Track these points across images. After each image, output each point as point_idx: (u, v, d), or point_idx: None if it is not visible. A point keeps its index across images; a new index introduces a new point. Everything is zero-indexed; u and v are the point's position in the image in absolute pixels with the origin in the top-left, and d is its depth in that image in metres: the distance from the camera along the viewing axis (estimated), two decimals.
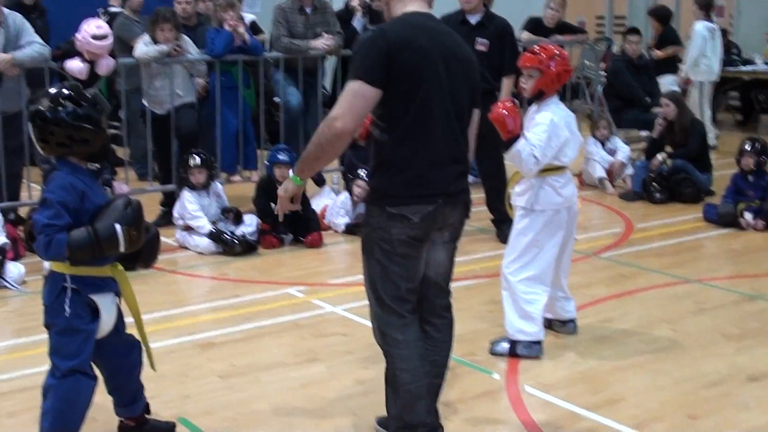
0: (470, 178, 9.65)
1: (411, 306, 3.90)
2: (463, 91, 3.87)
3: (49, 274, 3.88)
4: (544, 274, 5.20)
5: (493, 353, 5.28)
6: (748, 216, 8.27)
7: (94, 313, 3.87)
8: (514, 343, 5.24)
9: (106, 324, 3.92)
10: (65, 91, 3.81)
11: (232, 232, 7.55)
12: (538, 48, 5.21)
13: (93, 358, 3.93)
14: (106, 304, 3.90)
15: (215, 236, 7.48)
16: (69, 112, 3.75)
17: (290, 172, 3.88)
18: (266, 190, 7.85)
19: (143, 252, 4.02)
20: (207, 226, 7.54)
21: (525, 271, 5.17)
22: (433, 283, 3.99)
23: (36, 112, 3.79)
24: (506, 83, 7.63)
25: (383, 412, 4.38)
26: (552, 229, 5.19)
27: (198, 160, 7.77)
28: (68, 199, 3.73)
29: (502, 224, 7.64)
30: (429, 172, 3.76)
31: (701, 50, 12.13)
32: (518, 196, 5.24)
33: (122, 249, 3.77)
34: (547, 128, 5.03)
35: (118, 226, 3.73)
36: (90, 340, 3.86)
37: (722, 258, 7.59)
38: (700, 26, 12.27)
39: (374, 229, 3.83)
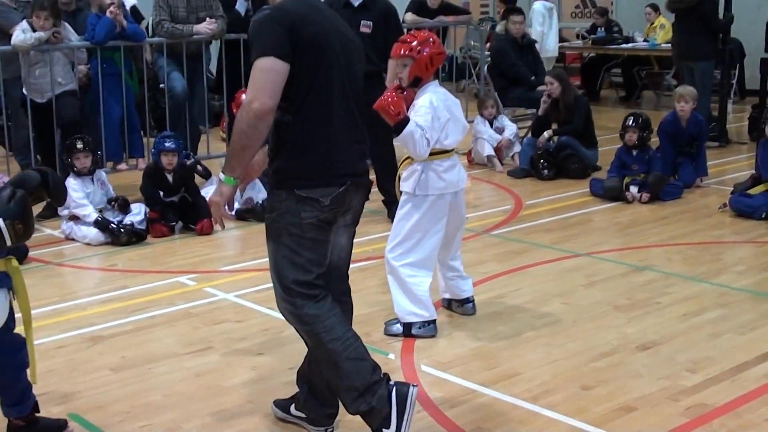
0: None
1: (321, 284, 3.81)
2: (357, 72, 3.86)
3: None
4: (427, 259, 5.22)
5: (388, 334, 5.29)
6: (633, 189, 8.47)
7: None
8: (407, 325, 5.26)
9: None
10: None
11: (119, 221, 7.39)
12: (408, 36, 5.23)
13: None
14: None
15: (102, 225, 7.31)
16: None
17: (221, 175, 3.68)
18: (153, 178, 7.72)
19: (53, 197, 4.00)
20: (93, 215, 7.36)
21: (408, 256, 5.18)
22: (335, 268, 3.93)
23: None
24: (392, 65, 7.62)
25: (279, 396, 4.36)
26: (435, 214, 5.19)
27: (82, 144, 7.58)
28: None
29: (393, 205, 7.62)
30: (336, 153, 3.72)
31: (543, 28, 12.82)
32: (404, 181, 5.24)
33: (9, 243, 3.66)
34: (429, 109, 5.05)
35: (1, 222, 3.61)
36: None
37: (610, 231, 7.76)
38: (538, 5, 12.96)
39: (281, 213, 3.72)
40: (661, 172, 8.60)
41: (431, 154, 5.11)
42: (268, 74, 3.55)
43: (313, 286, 3.77)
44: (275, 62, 3.55)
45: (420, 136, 4.95)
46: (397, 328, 5.29)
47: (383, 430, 3.77)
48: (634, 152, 8.70)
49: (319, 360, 3.88)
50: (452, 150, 5.26)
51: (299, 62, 3.60)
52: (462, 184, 5.34)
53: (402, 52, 5.11)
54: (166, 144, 7.72)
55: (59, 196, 4.13)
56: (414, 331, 5.24)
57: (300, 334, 3.93)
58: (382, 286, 6.05)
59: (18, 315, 3.94)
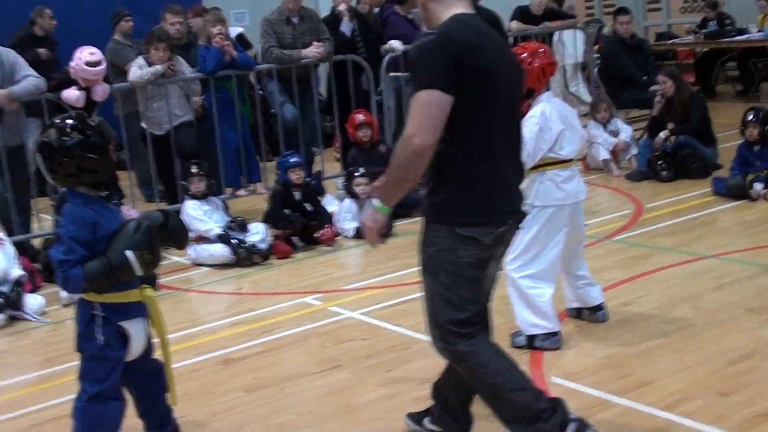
0: None
1: (472, 329, 3.67)
2: (517, 96, 3.75)
3: (79, 301, 3.89)
4: (547, 271, 5.15)
5: (515, 346, 5.24)
6: (757, 186, 8.23)
7: (124, 339, 3.88)
8: (531, 337, 5.21)
9: (135, 349, 3.94)
10: (70, 121, 3.80)
11: (240, 239, 7.55)
12: (518, 48, 5.20)
13: (122, 381, 3.94)
14: (136, 329, 3.91)
15: (224, 239, 7.49)
16: (76, 142, 3.74)
17: (375, 201, 3.62)
18: (282, 197, 7.90)
19: (173, 239, 4.13)
20: (215, 229, 7.55)
21: (528, 268, 5.11)
22: (489, 297, 3.84)
23: (43, 143, 3.79)
24: None
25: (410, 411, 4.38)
26: (554, 225, 5.12)
27: (196, 168, 7.80)
28: (79, 233, 3.74)
29: None
30: (498, 190, 3.59)
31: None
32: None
33: (138, 273, 3.78)
34: (538, 120, 5.01)
35: (129, 253, 3.74)
36: (119, 366, 3.88)
37: (736, 231, 7.56)
38: None
39: (440, 250, 3.58)
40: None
41: (549, 164, 5.08)
42: (430, 109, 3.38)
43: (467, 324, 3.65)
44: (438, 96, 3.38)
45: None
46: (522, 339, 5.25)
47: None
48: (756, 148, 8.46)
49: (481, 393, 3.77)
50: (570, 160, 5.20)
51: (464, 93, 3.42)
52: (582, 195, 5.28)
53: None
54: (292, 160, 7.99)
55: (179, 238, 4.26)
56: (537, 343, 5.18)
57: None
58: (505, 298, 6.03)
59: (155, 340, 4.05)
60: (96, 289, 3.76)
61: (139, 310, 3.93)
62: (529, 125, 4.98)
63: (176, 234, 4.18)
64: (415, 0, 9.97)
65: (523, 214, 3.78)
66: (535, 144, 4.98)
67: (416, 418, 4.23)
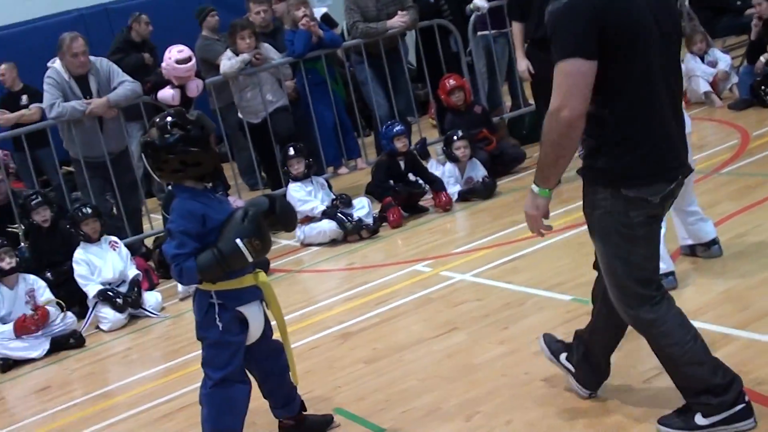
0: None
1: (657, 284, 3.56)
2: (674, 42, 3.46)
3: (196, 291, 4.00)
4: None
5: None
6: None
7: (243, 323, 3.97)
8: None
9: (254, 332, 4.04)
10: (170, 118, 3.88)
11: (345, 214, 7.62)
12: None
13: (245, 364, 4.04)
14: (253, 313, 4.00)
15: (329, 214, 7.60)
16: (177, 137, 3.82)
17: (533, 187, 3.46)
18: (387, 168, 7.97)
19: (281, 221, 4.23)
20: (319, 207, 7.64)
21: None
22: None
23: (146, 143, 3.89)
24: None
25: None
26: None
27: (293, 150, 7.89)
28: (189, 226, 3.83)
29: None
30: (663, 147, 3.38)
31: None
32: None
33: (249, 260, 3.86)
34: None
35: (239, 241, 3.81)
36: (240, 350, 3.98)
37: None
38: None
39: (608, 213, 3.43)
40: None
41: None
42: (574, 78, 3.22)
43: (650, 283, 3.53)
44: (581, 64, 3.21)
45: None
46: None
47: (697, 415, 3.59)
48: None
49: (658, 356, 3.65)
50: None
51: (611, 53, 3.23)
52: (688, 128, 5.15)
53: None
54: (397, 128, 8.01)
55: (287, 220, 4.35)
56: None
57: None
58: None
59: (273, 323, 4.14)
60: (210, 278, 3.86)
61: (254, 294, 4.01)
62: None
63: (284, 216, 4.26)
64: None
65: (690, 167, 3.59)
66: None
67: (554, 348, 4.16)
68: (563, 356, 4.13)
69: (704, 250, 5.45)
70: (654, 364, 4.25)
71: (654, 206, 3.41)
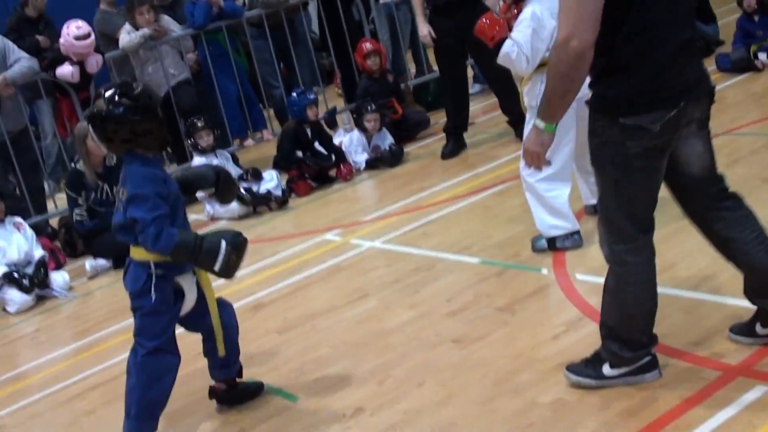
0: (477, 87, 9.63)
1: (646, 224, 3.44)
2: None
3: (130, 262, 3.95)
4: (562, 170, 5.12)
5: (536, 250, 5.26)
6: (762, 56, 8.15)
7: (178, 293, 3.96)
8: (551, 240, 5.22)
9: (189, 302, 4.02)
10: (117, 89, 3.81)
11: (251, 189, 7.57)
12: None
13: (188, 325, 4.09)
14: (188, 283, 3.99)
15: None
16: (127, 107, 3.76)
17: (538, 122, 3.32)
18: (295, 136, 7.90)
19: (218, 192, 4.30)
20: None
21: (543, 170, 5.07)
22: (701, 179, 3.48)
23: (94, 114, 3.82)
24: None
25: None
26: (563, 124, 4.94)
27: (202, 122, 7.82)
28: (158, 189, 3.79)
29: (519, 124, 7.60)
30: (665, 69, 3.18)
31: None
32: (526, 95, 5.17)
33: (216, 267, 3.82)
34: (530, 22, 4.91)
35: (224, 242, 3.80)
36: (174, 319, 3.98)
37: (745, 104, 7.48)
38: None
39: (605, 142, 3.30)
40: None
41: (546, 64, 5.00)
42: (584, 5, 3.02)
43: (636, 219, 3.40)
44: None
45: (516, 54, 4.87)
46: (543, 243, 5.26)
47: (605, 365, 3.64)
48: (756, 18, 8.35)
49: (607, 297, 3.60)
50: None
51: None
52: (585, 90, 5.20)
53: None
54: (311, 96, 7.97)
55: (226, 193, 4.35)
56: (558, 244, 5.20)
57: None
58: (522, 205, 6.03)
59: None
60: (175, 258, 3.81)
61: (188, 265, 3.97)
62: (522, 29, 4.92)
63: (224, 188, 4.31)
64: None
65: (707, 86, 3.36)
66: (532, 46, 4.91)
67: (745, 324, 3.84)
68: (758, 325, 3.78)
69: None
70: (564, 319, 4.36)
71: (653, 135, 3.21)
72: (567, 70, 3.12)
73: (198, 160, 7.73)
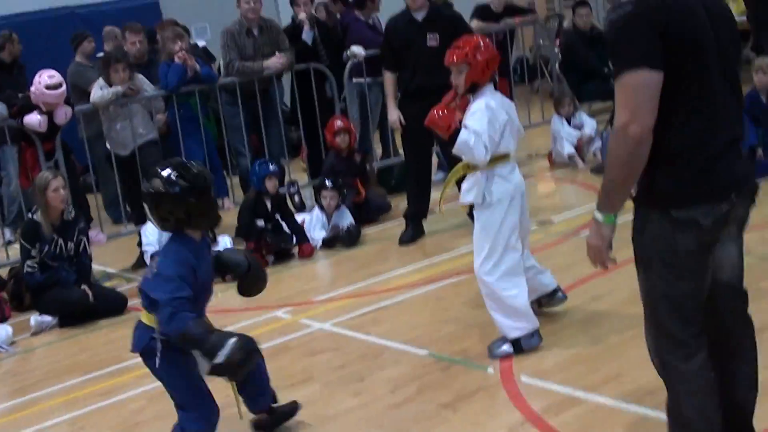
0: (440, 174, 9.69)
1: (697, 329, 3.28)
2: (732, 51, 3.28)
3: (139, 323, 4.05)
4: (518, 264, 5.16)
5: (496, 356, 5.16)
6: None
7: (189, 356, 3.99)
8: (515, 342, 5.16)
9: (202, 362, 3.96)
10: (173, 169, 3.94)
11: None
12: (460, 42, 5.22)
13: None
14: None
15: None
16: (183, 188, 3.86)
17: (597, 215, 3.20)
18: (254, 207, 7.87)
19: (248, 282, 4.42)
20: None
21: (500, 267, 5.09)
22: (726, 287, 3.37)
23: (150, 194, 3.92)
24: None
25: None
26: (512, 217, 5.13)
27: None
28: (184, 273, 3.86)
29: None
30: (717, 162, 3.13)
31: None
32: (467, 193, 5.19)
33: (218, 360, 3.76)
34: (485, 112, 5.00)
35: (233, 340, 3.78)
36: (195, 379, 4.08)
37: None
38: None
39: (653, 238, 3.20)
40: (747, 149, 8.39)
41: (492, 160, 5.06)
42: (641, 90, 3.01)
43: (688, 323, 3.26)
44: (649, 75, 3.01)
45: (475, 141, 4.94)
46: (504, 350, 5.17)
47: None
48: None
49: (668, 405, 3.45)
50: (509, 155, 5.19)
51: (672, 63, 3.04)
52: (523, 186, 5.30)
53: (456, 59, 5.11)
54: (271, 167, 7.95)
55: (252, 287, 4.48)
56: (524, 345, 5.13)
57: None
58: (475, 299, 6.06)
59: None
60: (183, 344, 3.86)
61: None
62: (477, 119, 5.00)
63: (250, 282, 4.45)
64: (376, 6, 10.08)
65: (754, 186, 3.32)
66: (489, 136, 4.97)
67: None
68: None
69: (549, 300, 5.58)
70: (505, 423, 4.35)
71: (705, 231, 3.13)
72: (627, 157, 3.06)
73: (149, 228, 7.66)
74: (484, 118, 4.98)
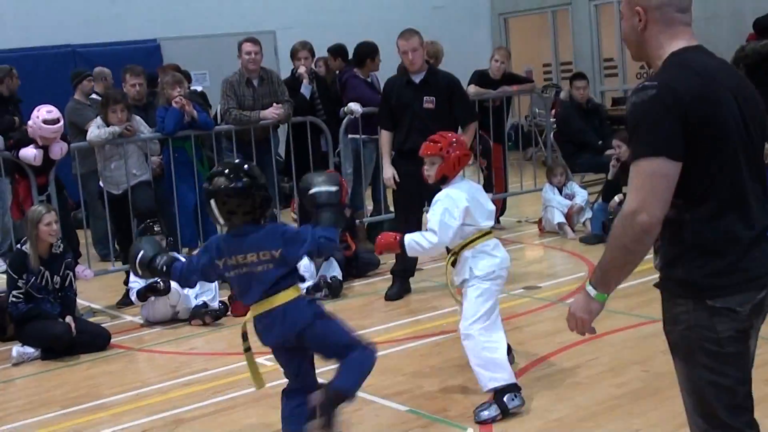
0: None
1: (750, 416, 3.14)
2: (758, 139, 3.15)
3: (288, 306, 4.50)
4: (497, 319, 5.33)
5: (481, 419, 5.11)
6: None
7: None
8: (498, 400, 5.15)
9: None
10: (233, 167, 4.45)
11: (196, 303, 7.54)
12: (436, 137, 5.56)
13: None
14: None
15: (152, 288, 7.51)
16: (247, 182, 4.35)
17: (590, 289, 3.14)
18: None
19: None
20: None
21: (485, 325, 5.25)
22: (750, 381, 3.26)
23: (217, 191, 4.34)
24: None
25: None
26: (497, 289, 5.41)
27: (157, 226, 7.83)
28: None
29: None
30: (750, 251, 3.03)
31: None
32: (458, 275, 5.41)
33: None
34: (443, 202, 5.31)
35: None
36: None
37: None
38: None
39: (691, 327, 3.05)
40: None
41: (475, 238, 5.34)
42: (657, 180, 2.91)
43: (741, 410, 3.11)
44: (666, 165, 2.90)
45: (426, 241, 5.25)
46: (490, 413, 5.15)
47: None
48: None
49: None
50: (490, 232, 5.47)
51: (695, 153, 2.94)
52: (508, 261, 5.53)
53: (431, 152, 5.47)
54: None
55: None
56: (507, 402, 5.13)
57: None
58: (457, 359, 6.07)
59: None
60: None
61: None
62: (436, 209, 5.29)
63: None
64: (375, 65, 10.19)
65: None
66: (440, 228, 5.21)
67: None
68: None
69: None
70: None
71: (742, 319, 3.04)
72: (630, 244, 2.97)
73: None
74: (440, 207, 5.29)
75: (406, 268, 8.03)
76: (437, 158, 5.42)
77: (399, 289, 7.97)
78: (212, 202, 4.37)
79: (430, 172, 5.47)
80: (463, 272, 5.35)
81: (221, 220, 4.43)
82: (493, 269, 5.31)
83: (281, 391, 4.81)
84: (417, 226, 8.10)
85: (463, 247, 5.33)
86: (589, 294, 3.13)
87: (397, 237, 5.33)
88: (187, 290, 7.45)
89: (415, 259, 8.07)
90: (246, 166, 4.48)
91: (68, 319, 6.95)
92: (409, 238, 5.29)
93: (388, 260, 8.60)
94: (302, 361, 4.71)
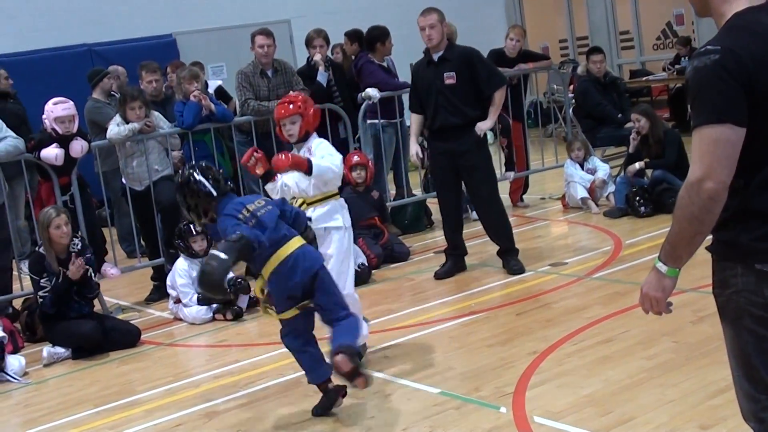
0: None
1: None
2: None
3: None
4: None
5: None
6: None
7: None
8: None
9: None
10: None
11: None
12: (287, 98, 5.96)
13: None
14: None
15: (206, 301, 7.50)
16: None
17: (660, 265, 3.04)
18: None
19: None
20: (194, 297, 7.54)
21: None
22: None
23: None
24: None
25: None
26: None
27: (199, 227, 7.81)
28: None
29: (505, 255, 7.77)
30: None
31: None
32: (332, 218, 5.89)
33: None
34: (328, 145, 5.91)
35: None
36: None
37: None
38: None
39: (738, 291, 3.00)
40: None
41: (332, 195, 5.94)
42: (722, 146, 2.84)
43: None
44: (732, 131, 2.84)
45: (334, 164, 5.77)
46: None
47: None
48: None
49: None
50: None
51: (757, 118, 2.88)
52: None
53: (289, 113, 5.76)
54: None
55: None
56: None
57: None
58: (487, 339, 6.08)
59: None
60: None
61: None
62: (327, 148, 5.84)
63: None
64: (387, 49, 10.16)
65: None
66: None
67: None
68: None
69: None
70: None
71: None
72: (699, 213, 2.88)
73: (180, 267, 7.69)
74: (330, 147, 5.87)
75: (454, 246, 8.04)
76: (296, 117, 5.74)
77: (450, 268, 7.99)
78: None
79: (292, 131, 5.78)
80: (337, 218, 5.90)
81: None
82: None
83: (281, 336, 5.39)
84: (456, 200, 8.10)
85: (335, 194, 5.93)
86: (660, 271, 3.05)
87: (302, 157, 5.75)
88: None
89: (459, 237, 8.06)
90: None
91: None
92: (319, 162, 5.71)
93: (414, 242, 8.58)
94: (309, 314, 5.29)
